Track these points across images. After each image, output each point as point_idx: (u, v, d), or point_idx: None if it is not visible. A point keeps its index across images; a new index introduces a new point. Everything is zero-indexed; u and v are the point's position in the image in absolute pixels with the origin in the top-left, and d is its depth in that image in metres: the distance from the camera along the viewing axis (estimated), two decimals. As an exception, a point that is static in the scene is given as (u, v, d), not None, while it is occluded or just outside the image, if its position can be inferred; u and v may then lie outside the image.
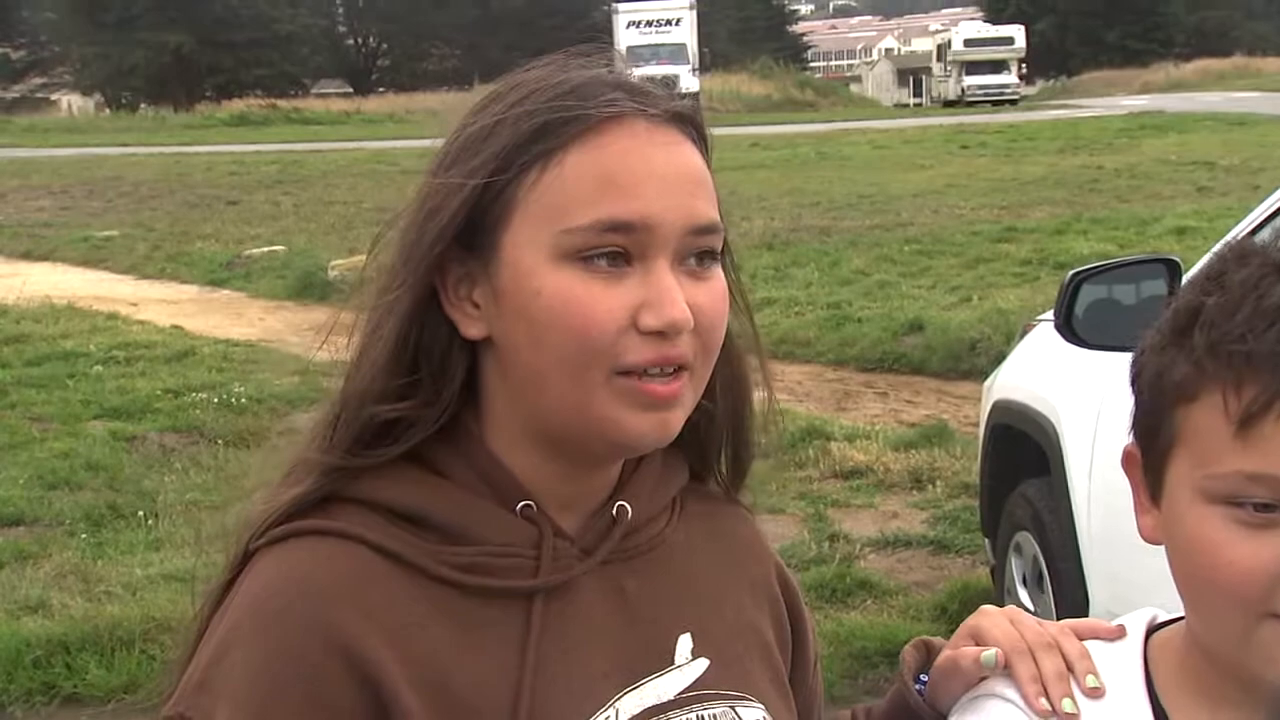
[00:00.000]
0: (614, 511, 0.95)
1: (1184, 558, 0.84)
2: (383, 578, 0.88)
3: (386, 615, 0.87)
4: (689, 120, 0.92)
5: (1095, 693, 0.90)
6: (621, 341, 0.87)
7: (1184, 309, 0.84)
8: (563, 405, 0.88)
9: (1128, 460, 0.90)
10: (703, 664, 0.95)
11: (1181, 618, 0.92)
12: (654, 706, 0.92)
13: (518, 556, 0.91)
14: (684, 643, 0.95)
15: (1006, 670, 0.93)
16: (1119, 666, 0.90)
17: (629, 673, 0.92)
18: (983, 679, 0.94)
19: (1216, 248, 0.88)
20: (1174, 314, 0.85)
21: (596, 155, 0.87)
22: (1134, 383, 0.88)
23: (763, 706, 0.97)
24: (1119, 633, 0.94)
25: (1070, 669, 0.92)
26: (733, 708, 0.95)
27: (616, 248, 0.87)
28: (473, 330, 0.91)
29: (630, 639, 0.93)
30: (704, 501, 1.04)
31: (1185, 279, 0.90)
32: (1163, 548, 0.88)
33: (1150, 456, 0.86)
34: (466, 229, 0.89)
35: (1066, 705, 0.89)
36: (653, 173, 0.87)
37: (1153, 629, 0.93)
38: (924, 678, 1.01)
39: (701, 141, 0.93)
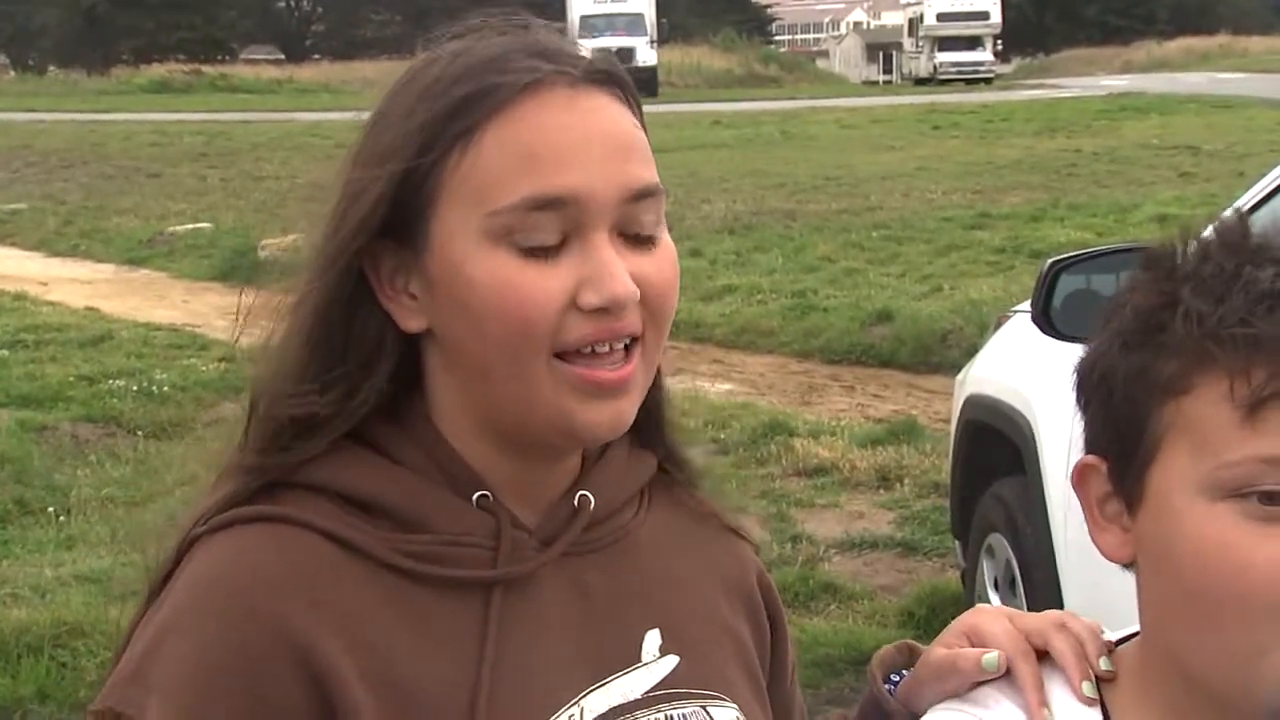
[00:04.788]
0: (575, 502, 0.95)
1: (1186, 565, 0.82)
2: (332, 565, 0.88)
3: (336, 605, 0.87)
4: (613, 78, 0.91)
5: (1108, 675, 0.90)
6: (562, 321, 0.87)
7: (1152, 306, 0.84)
8: (510, 397, 0.89)
9: (1084, 474, 0.89)
10: (672, 661, 0.95)
11: (1132, 635, 0.92)
12: (620, 706, 0.92)
13: (475, 546, 0.91)
14: (651, 639, 0.95)
15: (1005, 675, 0.92)
16: (1072, 696, 0.90)
17: (594, 670, 0.92)
18: (977, 684, 0.94)
19: (1148, 249, 0.89)
20: (1139, 313, 0.85)
21: (515, 129, 0.87)
22: (1095, 390, 0.88)
23: (736, 706, 0.97)
24: (1109, 645, 0.93)
25: (1083, 648, 0.91)
26: (704, 707, 0.95)
27: (549, 227, 0.86)
28: (412, 323, 0.91)
29: (594, 635, 0.94)
30: (675, 495, 1.05)
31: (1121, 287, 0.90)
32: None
33: (1125, 464, 0.86)
34: (393, 219, 0.89)
35: (1086, 689, 0.89)
36: (577, 141, 0.87)
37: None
38: (895, 678, 1.00)
39: (630, 99, 0.92)
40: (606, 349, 0.88)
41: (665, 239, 0.91)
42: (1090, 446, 0.90)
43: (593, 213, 0.87)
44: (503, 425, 0.91)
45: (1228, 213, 0.89)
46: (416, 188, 0.88)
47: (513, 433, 0.91)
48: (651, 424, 1.00)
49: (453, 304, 0.88)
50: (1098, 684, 0.91)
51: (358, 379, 0.90)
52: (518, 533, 0.92)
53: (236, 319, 0.96)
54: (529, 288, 0.86)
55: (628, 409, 0.90)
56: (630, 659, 0.94)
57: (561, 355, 0.88)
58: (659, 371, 0.98)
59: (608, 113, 0.89)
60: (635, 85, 0.94)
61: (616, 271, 0.87)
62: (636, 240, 0.89)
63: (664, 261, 0.90)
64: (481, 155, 0.87)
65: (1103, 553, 0.90)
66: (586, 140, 0.87)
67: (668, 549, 1.01)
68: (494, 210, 0.86)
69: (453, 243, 0.88)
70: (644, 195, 0.89)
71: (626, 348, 0.89)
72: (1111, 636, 0.94)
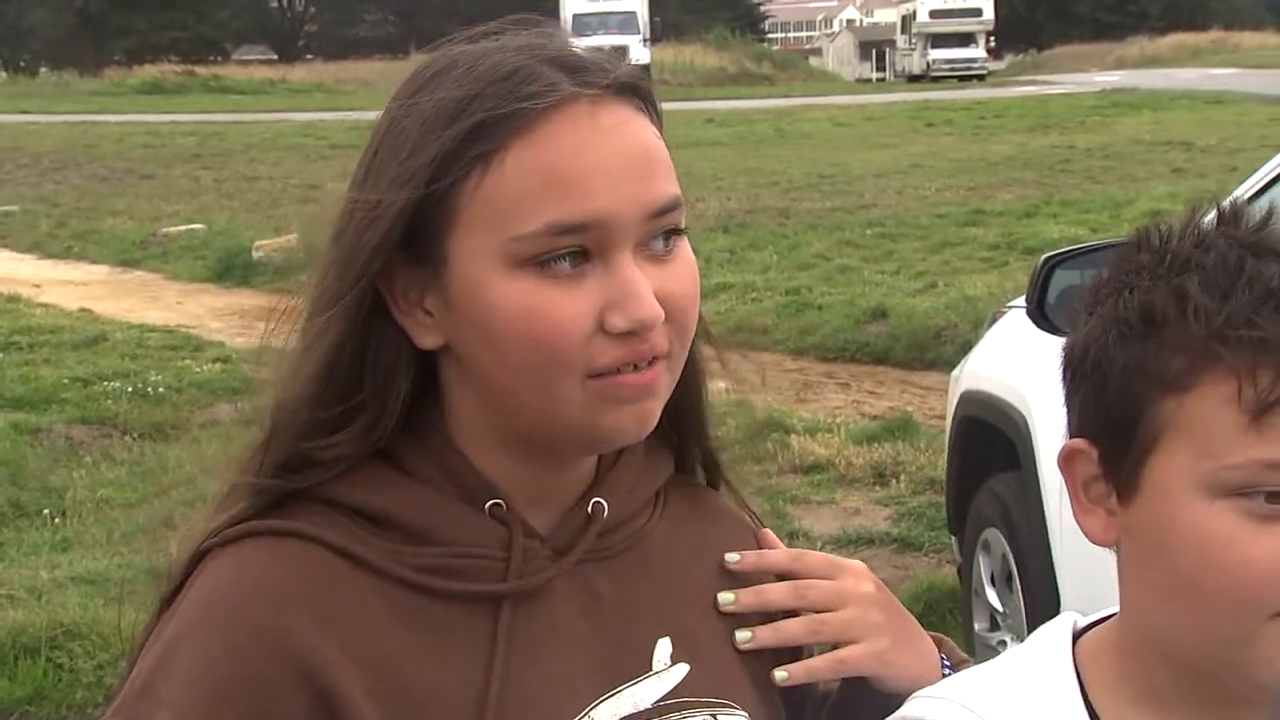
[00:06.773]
0: (589, 509, 0.94)
1: (1183, 558, 0.83)
2: (341, 580, 0.88)
3: (344, 620, 0.86)
4: (634, 89, 0.90)
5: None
6: (591, 346, 0.86)
7: (1155, 298, 0.84)
8: (536, 412, 0.88)
9: (1072, 457, 0.89)
10: (682, 669, 0.95)
11: (1104, 619, 0.93)
12: (630, 716, 0.91)
13: (485, 558, 0.90)
14: (662, 647, 0.95)
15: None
16: (1050, 676, 0.90)
17: (604, 680, 0.92)
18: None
19: (1137, 232, 0.89)
20: (1141, 303, 0.84)
21: (538, 151, 0.85)
22: (1087, 377, 0.88)
23: (746, 715, 0.96)
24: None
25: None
26: (714, 716, 0.94)
27: (573, 248, 0.85)
28: (428, 340, 0.90)
29: (605, 644, 0.93)
30: (691, 496, 1.04)
31: (1106, 270, 0.90)
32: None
33: (1118, 452, 0.86)
34: (409, 237, 0.87)
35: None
36: (600, 162, 0.85)
37: (1077, 634, 0.93)
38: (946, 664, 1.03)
39: (650, 109, 0.91)
40: (632, 367, 0.87)
41: (684, 248, 0.90)
42: (1078, 431, 0.90)
43: (616, 234, 0.86)
44: (524, 435, 0.90)
45: (1226, 200, 0.89)
46: (434, 207, 0.86)
47: (534, 441, 0.90)
48: (686, 420, 1.00)
49: (474, 327, 0.87)
50: (1077, 668, 0.91)
51: (378, 404, 0.88)
52: (529, 542, 0.91)
53: (265, 324, 0.94)
54: (554, 313, 0.85)
55: (653, 412, 0.89)
56: (641, 668, 0.93)
57: (593, 375, 0.87)
58: (698, 369, 0.99)
59: (630, 127, 0.88)
60: None
61: (643, 293, 0.85)
62: (658, 255, 0.88)
63: (685, 274, 0.89)
64: (503, 178, 0.85)
65: (1086, 534, 0.90)
66: (609, 160, 0.86)
67: (680, 551, 0.99)
68: (517, 235, 0.85)
69: (472, 265, 0.86)
70: (667, 210, 0.88)
71: (651, 360, 0.88)
72: (1086, 620, 0.94)
